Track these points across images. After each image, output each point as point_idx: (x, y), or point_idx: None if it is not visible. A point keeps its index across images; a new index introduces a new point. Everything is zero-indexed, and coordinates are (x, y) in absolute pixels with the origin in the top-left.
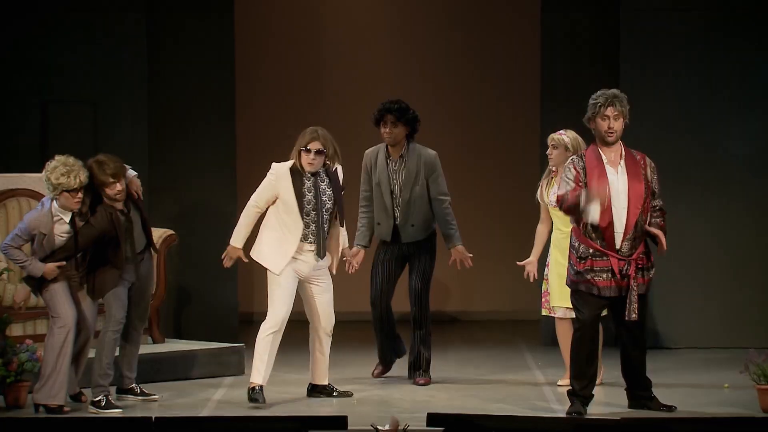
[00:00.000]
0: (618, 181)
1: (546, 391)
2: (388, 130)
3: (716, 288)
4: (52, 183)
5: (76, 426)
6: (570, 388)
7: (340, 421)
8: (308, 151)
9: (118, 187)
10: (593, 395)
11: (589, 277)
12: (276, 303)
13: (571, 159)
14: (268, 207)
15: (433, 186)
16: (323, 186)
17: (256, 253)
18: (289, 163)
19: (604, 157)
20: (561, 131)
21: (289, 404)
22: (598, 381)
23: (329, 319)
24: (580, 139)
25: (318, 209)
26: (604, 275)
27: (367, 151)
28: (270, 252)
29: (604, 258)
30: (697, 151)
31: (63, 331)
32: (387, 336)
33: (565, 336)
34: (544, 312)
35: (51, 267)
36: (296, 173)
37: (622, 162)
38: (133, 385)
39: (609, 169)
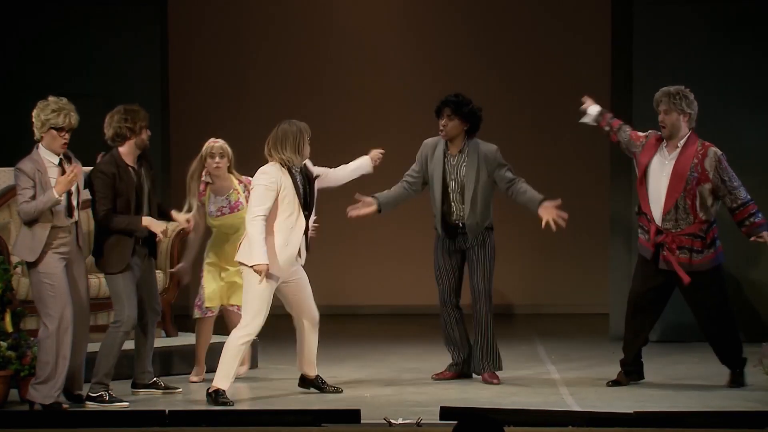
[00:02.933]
0: (665, 163)
1: (559, 384)
2: (443, 122)
3: (732, 281)
4: (41, 119)
5: (91, 419)
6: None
7: (353, 415)
8: (309, 140)
9: (148, 132)
10: (635, 362)
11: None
12: (257, 312)
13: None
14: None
15: (502, 177)
16: (303, 182)
17: (258, 260)
18: (275, 163)
19: (665, 142)
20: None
21: (303, 398)
22: None
23: (314, 312)
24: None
25: (307, 204)
26: (645, 236)
27: (426, 141)
28: (278, 257)
29: (649, 222)
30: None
31: (62, 330)
32: (455, 338)
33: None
34: (197, 314)
35: (59, 185)
36: (289, 170)
37: (678, 150)
38: (155, 379)
39: (664, 152)
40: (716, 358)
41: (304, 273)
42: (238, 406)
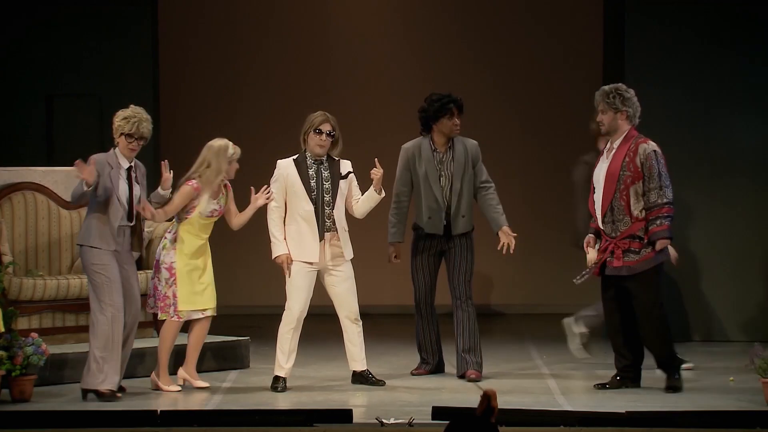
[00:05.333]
0: (602, 168)
1: (551, 384)
2: (458, 121)
3: (722, 281)
4: (114, 125)
5: (81, 419)
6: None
7: (345, 415)
8: (320, 132)
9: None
10: (627, 369)
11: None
12: (294, 301)
13: None
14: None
15: (479, 174)
16: (326, 174)
17: (276, 252)
18: (292, 157)
19: (607, 145)
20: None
21: (294, 398)
22: None
23: (350, 307)
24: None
25: (318, 195)
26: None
27: (405, 146)
28: (293, 244)
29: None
30: (703, 145)
31: (116, 319)
32: (430, 338)
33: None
34: (164, 316)
35: (89, 169)
36: (300, 163)
37: (614, 150)
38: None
39: (604, 157)
40: (709, 359)
41: (348, 268)
42: (229, 406)
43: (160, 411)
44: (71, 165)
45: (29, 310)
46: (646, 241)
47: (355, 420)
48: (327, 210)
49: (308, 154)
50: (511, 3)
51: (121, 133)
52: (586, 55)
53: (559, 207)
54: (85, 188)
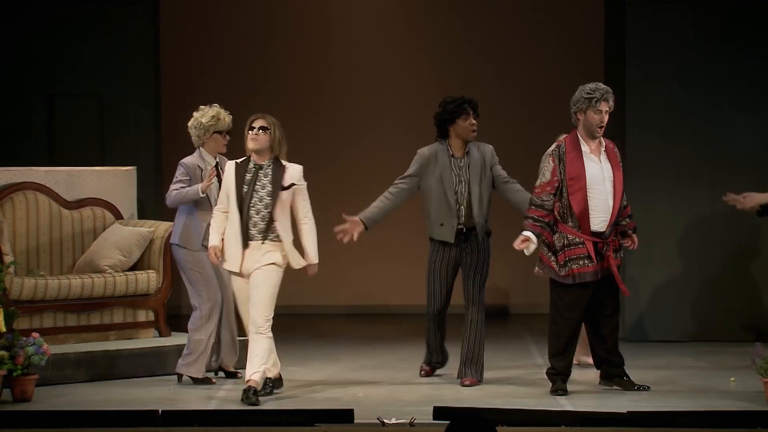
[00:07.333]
0: (602, 168)
1: None
2: (474, 122)
3: (723, 282)
4: (204, 125)
5: (82, 419)
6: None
7: (347, 415)
8: (252, 128)
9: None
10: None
11: (570, 267)
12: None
13: (551, 150)
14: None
15: (498, 174)
16: (264, 180)
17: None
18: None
19: (584, 146)
20: None
21: (295, 398)
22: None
23: (254, 314)
24: None
25: (247, 203)
26: (581, 262)
27: (421, 151)
28: (225, 247)
29: (581, 245)
30: (705, 142)
31: (213, 312)
32: (437, 341)
33: None
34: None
35: (205, 184)
36: (241, 166)
37: (603, 150)
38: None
39: (591, 157)
40: (710, 359)
41: (268, 274)
42: (229, 407)
43: (162, 411)
44: (72, 165)
45: (31, 310)
46: (618, 239)
47: (356, 420)
48: (257, 219)
49: (251, 159)
50: (513, 1)
51: (214, 132)
52: (587, 53)
53: None
54: (201, 195)
